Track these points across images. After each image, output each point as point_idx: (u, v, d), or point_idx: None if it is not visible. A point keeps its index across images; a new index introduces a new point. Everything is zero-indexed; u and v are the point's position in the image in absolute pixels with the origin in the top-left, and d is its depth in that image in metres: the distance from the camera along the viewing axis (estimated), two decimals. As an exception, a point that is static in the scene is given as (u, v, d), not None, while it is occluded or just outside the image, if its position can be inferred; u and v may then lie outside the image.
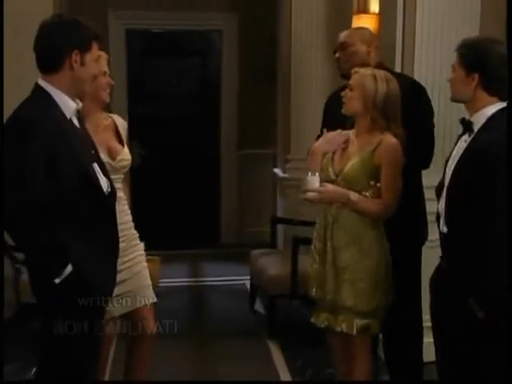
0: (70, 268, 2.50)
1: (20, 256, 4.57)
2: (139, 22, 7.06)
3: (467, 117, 2.81)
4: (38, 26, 4.53)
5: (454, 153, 2.83)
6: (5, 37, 4.74)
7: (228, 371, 4.14)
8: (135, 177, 7.25)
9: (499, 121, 2.70)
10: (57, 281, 2.49)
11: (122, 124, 3.41)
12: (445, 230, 2.77)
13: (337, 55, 3.62)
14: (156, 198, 7.23)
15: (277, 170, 6.29)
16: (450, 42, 3.64)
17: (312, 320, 3.31)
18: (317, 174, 3.10)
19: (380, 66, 3.56)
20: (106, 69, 3.20)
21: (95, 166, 2.66)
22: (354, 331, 3.14)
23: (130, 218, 3.33)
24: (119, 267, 2.93)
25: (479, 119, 2.72)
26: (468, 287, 2.66)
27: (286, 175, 5.88)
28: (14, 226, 2.53)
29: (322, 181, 3.11)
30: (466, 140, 2.76)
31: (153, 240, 6.88)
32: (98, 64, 2.95)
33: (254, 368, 4.18)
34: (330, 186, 3.11)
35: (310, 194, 3.09)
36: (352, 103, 3.15)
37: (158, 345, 3.96)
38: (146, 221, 7.19)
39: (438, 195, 2.89)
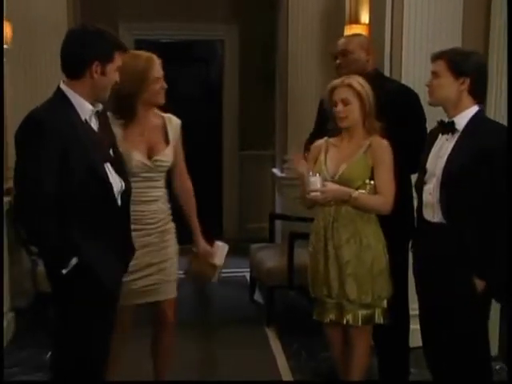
0: (75, 260, 2.48)
1: (35, 249, 4.62)
2: (147, 32, 7.08)
3: (445, 119, 2.88)
4: (52, 35, 4.62)
5: (434, 151, 2.89)
6: (21, 44, 4.80)
7: (229, 356, 4.17)
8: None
9: (485, 121, 2.88)
10: (64, 271, 2.48)
11: (174, 124, 3.27)
12: (438, 219, 2.84)
13: (338, 61, 3.56)
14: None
15: (275, 170, 6.31)
16: (435, 50, 3.68)
17: (314, 317, 3.30)
18: (317, 175, 3.08)
19: (376, 71, 3.59)
20: (159, 74, 3.15)
21: (108, 165, 2.61)
22: (360, 322, 3.17)
23: (164, 215, 3.22)
24: (152, 260, 3.06)
25: (461, 120, 2.81)
26: (472, 265, 2.77)
27: (283, 175, 5.90)
28: (28, 224, 2.52)
29: (323, 181, 3.09)
30: (448, 139, 2.82)
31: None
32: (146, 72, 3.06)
33: (252, 353, 4.22)
34: (331, 185, 3.10)
35: (313, 194, 3.08)
36: (351, 117, 3.11)
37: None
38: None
39: (420, 190, 2.94)
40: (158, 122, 3.23)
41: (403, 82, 3.84)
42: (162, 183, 3.22)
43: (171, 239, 3.26)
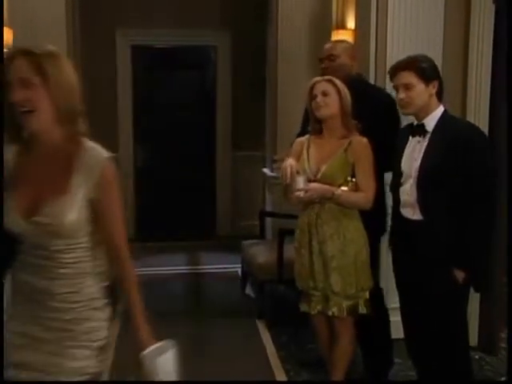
0: None
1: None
2: (143, 38, 7.05)
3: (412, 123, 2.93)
4: (51, 41, 4.55)
5: (407, 153, 2.89)
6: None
7: (221, 347, 4.18)
8: (140, 176, 7.30)
9: (452, 119, 2.89)
10: None
11: (91, 163, 1.91)
12: (417, 217, 2.84)
13: (323, 65, 3.54)
14: (159, 195, 7.26)
15: (265, 170, 6.30)
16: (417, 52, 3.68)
17: (302, 309, 3.30)
18: (301, 175, 3.09)
19: (359, 76, 3.59)
20: (12, 74, 1.86)
21: None
22: (345, 313, 3.17)
23: (64, 305, 1.93)
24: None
25: (431, 122, 2.83)
26: (451, 258, 2.77)
27: (273, 174, 5.87)
28: None
29: (306, 180, 3.10)
30: (419, 141, 2.83)
31: (156, 233, 7.02)
32: None
33: (244, 343, 4.23)
34: (314, 184, 3.10)
35: (297, 193, 3.08)
36: (330, 107, 3.12)
37: (161, 323, 3.94)
38: (150, 216, 7.28)
39: (396, 191, 2.94)
40: (64, 156, 1.93)
41: (387, 85, 3.84)
42: (65, 257, 1.92)
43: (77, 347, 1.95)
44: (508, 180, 3.35)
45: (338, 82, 3.16)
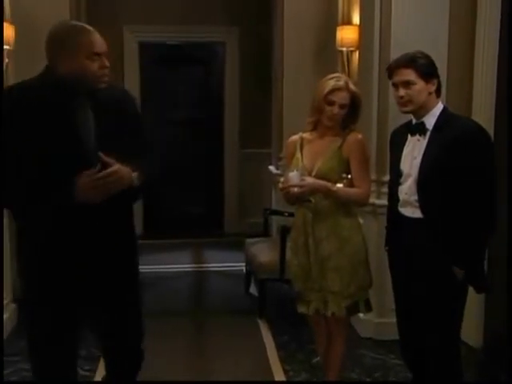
0: None
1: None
2: (151, 35, 7.05)
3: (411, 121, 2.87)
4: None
5: (406, 152, 2.82)
6: (25, 46, 4.74)
7: (222, 344, 4.17)
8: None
9: (452, 116, 2.82)
10: None
11: None
12: (417, 215, 2.78)
13: (106, 78, 2.52)
14: (167, 193, 7.24)
15: (271, 167, 6.26)
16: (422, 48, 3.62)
17: (299, 310, 3.23)
18: (295, 171, 3.02)
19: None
20: None
21: None
22: (344, 313, 3.11)
23: None
24: None
25: (430, 119, 2.78)
26: (451, 256, 2.71)
27: (278, 171, 5.84)
28: None
29: (301, 175, 3.02)
30: (419, 139, 2.77)
31: (164, 230, 7.00)
32: None
33: (245, 342, 4.20)
34: (309, 179, 3.03)
35: (292, 189, 3.01)
36: (340, 117, 3.05)
37: (165, 321, 3.88)
38: (159, 214, 7.27)
39: (394, 189, 2.88)
40: None
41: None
42: None
43: None
44: (508, 180, 3.28)
45: (356, 90, 3.06)
